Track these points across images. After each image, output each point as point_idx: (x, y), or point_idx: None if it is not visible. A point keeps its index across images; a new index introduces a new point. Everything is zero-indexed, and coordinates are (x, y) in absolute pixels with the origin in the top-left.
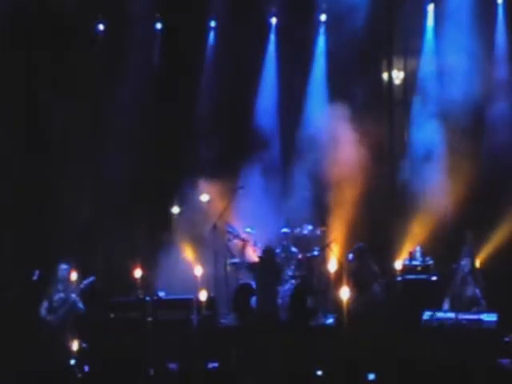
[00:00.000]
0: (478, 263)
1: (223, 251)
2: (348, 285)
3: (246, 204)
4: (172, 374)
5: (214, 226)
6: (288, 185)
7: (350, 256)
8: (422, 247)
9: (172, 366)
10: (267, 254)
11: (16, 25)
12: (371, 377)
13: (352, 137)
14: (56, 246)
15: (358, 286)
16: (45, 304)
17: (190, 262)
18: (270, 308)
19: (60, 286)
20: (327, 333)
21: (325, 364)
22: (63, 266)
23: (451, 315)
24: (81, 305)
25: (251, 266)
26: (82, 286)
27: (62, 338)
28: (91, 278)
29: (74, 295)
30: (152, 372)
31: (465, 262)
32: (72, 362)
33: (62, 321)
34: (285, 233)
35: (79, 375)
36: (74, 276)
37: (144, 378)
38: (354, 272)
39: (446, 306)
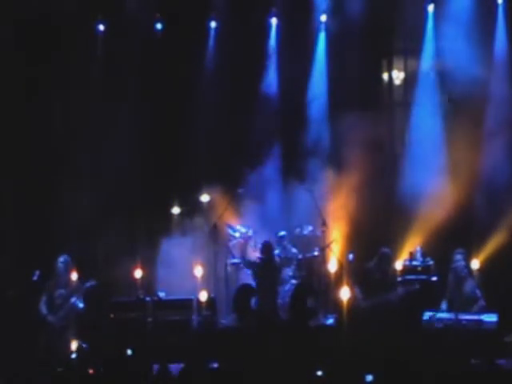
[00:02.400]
0: (475, 264)
1: (223, 251)
2: (350, 285)
3: (246, 205)
4: (172, 375)
5: (214, 226)
6: (288, 185)
7: (351, 256)
8: (422, 247)
9: (172, 366)
10: (266, 250)
11: (16, 25)
12: (369, 378)
13: (354, 138)
14: (56, 246)
15: (370, 290)
16: (44, 299)
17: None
18: (270, 308)
19: (60, 281)
20: (327, 333)
21: (325, 364)
22: (61, 259)
23: (451, 315)
24: (81, 304)
25: (251, 264)
26: (82, 289)
27: (63, 338)
28: (92, 282)
29: (74, 299)
30: (152, 372)
31: (460, 263)
32: (72, 361)
33: (63, 322)
34: (283, 236)
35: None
36: (74, 276)
37: (144, 378)
38: (369, 274)
39: (443, 306)
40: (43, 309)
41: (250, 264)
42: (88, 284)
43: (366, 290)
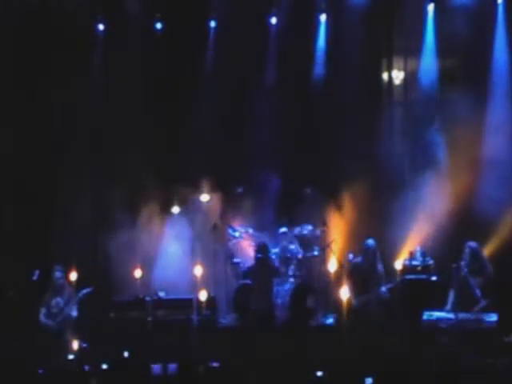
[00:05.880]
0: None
1: (223, 251)
2: (348, 283)
3: (246, 205)
4: (172, 374)
5: (214, 226)
6: (287, 184)
7: (351, 256)
8: (422, 247)
9: (172, 365)
10: (261, 250)
11: (16, 25)
12: (368, 382)
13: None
14: (56, 246)
15: (359, 285)
16: (43, 310)
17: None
18: (266, 307)
19: (56, 290)
20: (327, 333)
21: (325, 364)
22: (56, 269)
23: (451, 315)
24: (74, 313)
25: (247, 273)
26: (80, 295)
27: (62, 338)
28: (89, 289)
29: (67, 309)
30: (152, 372)
31: (464, 263)
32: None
33: (60, 326)
34: (284, 233)
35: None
36: (73, 276)
37: (144, 378)
38: (356, 269)
39: (448, 306)
40: (43, 319)
41: (247, 273)
42: (83, 292)
43: (356, 286)
